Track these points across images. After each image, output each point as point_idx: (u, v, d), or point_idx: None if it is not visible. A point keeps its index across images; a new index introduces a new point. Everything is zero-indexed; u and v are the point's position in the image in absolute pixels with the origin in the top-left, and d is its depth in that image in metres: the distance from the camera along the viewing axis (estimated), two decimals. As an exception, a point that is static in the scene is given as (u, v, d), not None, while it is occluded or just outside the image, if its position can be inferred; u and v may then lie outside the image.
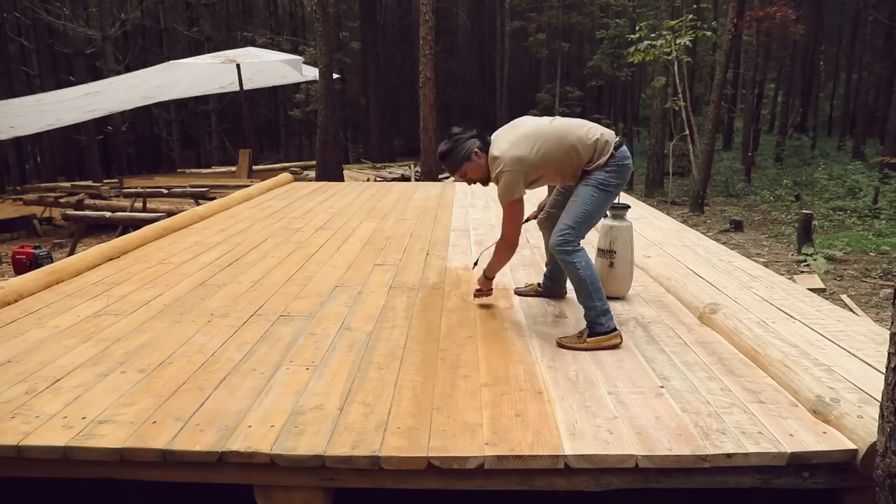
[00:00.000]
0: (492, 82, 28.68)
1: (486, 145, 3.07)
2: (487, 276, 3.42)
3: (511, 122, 3.21)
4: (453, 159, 3.09)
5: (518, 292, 3.78)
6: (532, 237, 5.43)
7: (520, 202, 3.08)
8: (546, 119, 3.17)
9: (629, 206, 3.70)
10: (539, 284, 3.75)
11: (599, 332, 2.94)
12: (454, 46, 31.57)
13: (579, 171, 3.07)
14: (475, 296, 3.53)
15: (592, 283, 2.97)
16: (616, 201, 3.34)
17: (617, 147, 3.04)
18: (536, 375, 2.65)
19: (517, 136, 3.03)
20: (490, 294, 3.52)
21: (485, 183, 3.18)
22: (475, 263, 3.78)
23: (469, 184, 3.21)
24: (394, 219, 6.25)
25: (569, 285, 3.34)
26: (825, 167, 15.90)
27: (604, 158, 3.01)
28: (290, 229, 5.72)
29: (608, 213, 3.54)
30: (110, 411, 2.34)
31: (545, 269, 3.74)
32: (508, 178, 2.97)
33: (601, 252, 3.65)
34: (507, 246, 3.22)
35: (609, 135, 3.07)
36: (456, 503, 2.39)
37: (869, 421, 2.11)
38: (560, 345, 2.94)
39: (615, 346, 2.92)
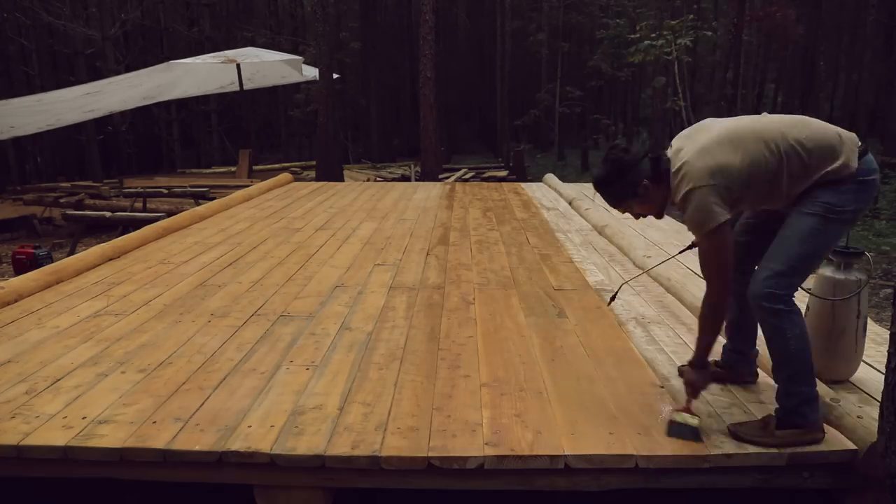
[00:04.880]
0: (492, 82, 28.64)
1: (658, 172, 2.20)
2: (698, 365, 2.26)
3: (696, 125, 2.30)
4: (616, 191, 2.26)
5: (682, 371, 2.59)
6: (531, 238, 5.41)
7: (725, 229, 2.09)
8: (748, 117, 2.27)
9: (863, 252, 2.40)
10: (717, 361, 2.55)
11: (797, 423, 2.12)
12: (454, 46, 31.53)
13: (798, 190, 2.12)
14: (689, 402, 2.27)
15: (803, 359, 2.11)
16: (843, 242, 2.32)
17: (861, 155, 2.09)
18: (536, 375, 2.64)
19: (709, 139, 2.14)
20: (703, 389, 2.31)
21: (659, 216, 2.35)
22: (613, 298, 2.97)
23: (637, 218, 2.39)
24: (394, 219, 6.24)
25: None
26: (825, 167, 15.88)
27: (836, 166, 2.06)
28: (290, 229, 5.72)
29: (830, 257, 2.42)
30: (110, 411, 2.34)
31: (726, 336, 2.56)
32: (701, 196, 2.07)
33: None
34: (716, 306, 2.19)
35: (849, 138, 2.12)
36: (456, 503, 2.39)
37: (869, 421, 2.11)
38: (737, 436, 2.15)
39: (816, 442, 2.13)
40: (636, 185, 2.20)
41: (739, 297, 2.29)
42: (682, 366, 2.29)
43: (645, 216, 2.35)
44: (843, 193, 2.07)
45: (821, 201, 2.08)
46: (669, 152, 2.23)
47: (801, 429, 2.13)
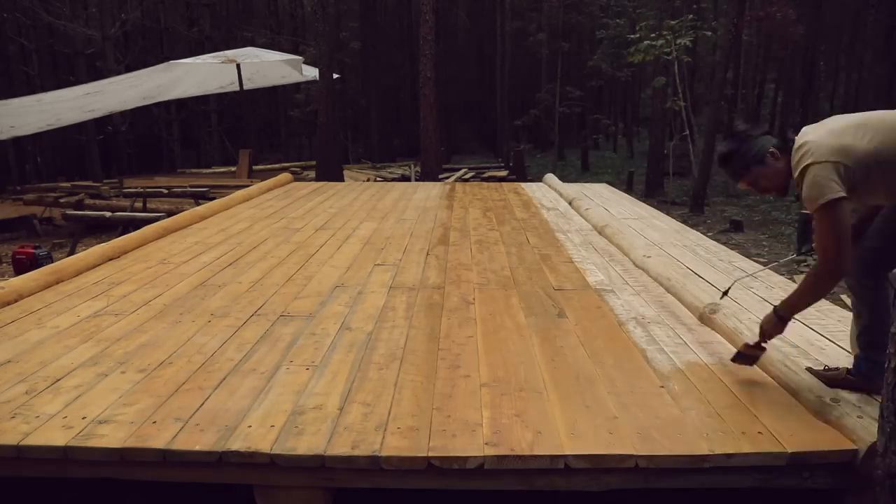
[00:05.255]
0: (492, 82, 28.63)
1: (785, 144, 2.32)
2: (782, 316, 2.37)
3: (833, 116, 2.37)
4: (739, 161, 2.36)
5: (815, 373, 2.52)
6: (531, 238, 5.40)
7: (839, 205, 2.14)
8: (881, 111, 2.28)
9: None
10: (850, 370, 2.48)
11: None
12: (454, 46, 31.55)
13: None
14: (741, 356, 2.58)
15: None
16: None
17: None
18: (536, 375, 2.65)
19: (839, 124, 2.25)
20: (762, 351, 2.53)
21: (782, 192, 2.40)
22: (725, 293, 2.98)
23: (759, 193, 2.46)
24: (394, 219, 6.24)
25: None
26: (825, 167, 15.86)
27: None
28: (290, 229, 5.72)
29: None
30: (110, 411, 2.34)
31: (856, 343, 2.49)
32: (817, 171, 2.15)
33: None
34: (824, 273, 2.22)
35: None
36: (456, 503, 2.39)
37: (869, 421, 2.11)
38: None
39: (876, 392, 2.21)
40: (764, 154, 2.31)
41: (875, 302, 2.34)
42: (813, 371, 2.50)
43: (769, 191, 2.41)
44: None
45: None
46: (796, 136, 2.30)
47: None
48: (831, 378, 2.48)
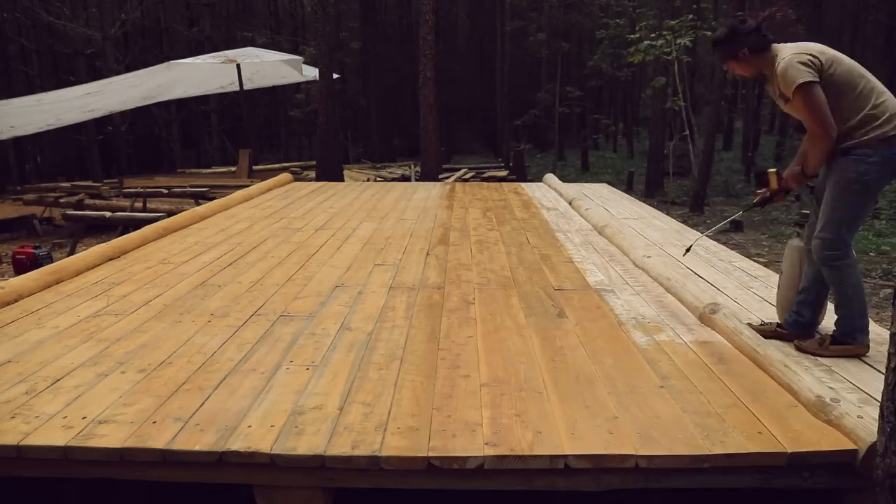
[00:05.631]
0: (492, 82, 28.64)
1: (764, 40, 2.78)
2: (808, 174, 2.81)
3: None
4: (733, 44, 2.81)
5: (753, 328, 3.03)
6: (531, 238, 5.41)
7: (814, 86, 2.58)
8: None
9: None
10: (779, 324, 3.08)
11: (847, 342, 2.77)
12: (454, 46, 31.54)
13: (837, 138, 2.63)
14: (767, 198, 3.01)
15: (859, 299, 2.73)
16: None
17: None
18: (536, 375, 2.65)
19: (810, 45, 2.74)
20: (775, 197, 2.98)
21: (755, 76, 2.93)
22: (688, 250, 3.71)
23: (734, 76, 3.15)
24: (394, 219, 6.25)
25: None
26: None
27: (875, 134, 2.58)
28: (290, 229, 5.72)
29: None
30: (110, 411, 2.34)
31: (797, 301, 3.00)
32: (795, 60, 2.62)
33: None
34: (818, 142, 2.65)
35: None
36: (456, 503, 2.39)
37: (869, 421, 2.11)
38: (800, 349, 2.82)
39: (859, 355, 2.74)
40: (758, 47, 2.79)
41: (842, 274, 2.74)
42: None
43: (742, 76, 3.02)
44: (869, 164, 2.63)
45: (848, 166, 2.66)
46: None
47: (850, 345, 2.75)
48: (764, 331, 3.00)
